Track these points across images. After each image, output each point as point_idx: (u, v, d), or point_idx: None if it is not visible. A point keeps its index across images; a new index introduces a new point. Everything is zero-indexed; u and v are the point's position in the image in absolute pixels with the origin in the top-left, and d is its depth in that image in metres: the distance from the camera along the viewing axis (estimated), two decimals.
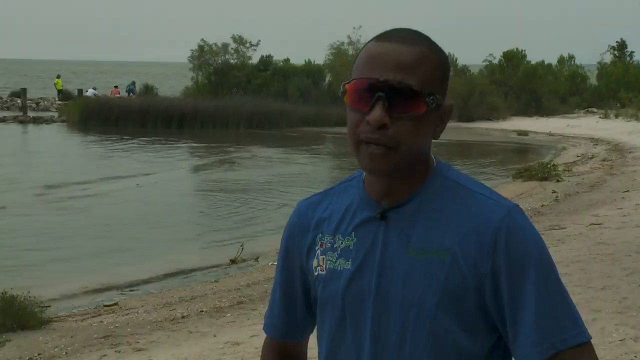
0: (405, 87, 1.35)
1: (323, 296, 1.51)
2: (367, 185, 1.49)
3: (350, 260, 1.47)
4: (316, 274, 1.53)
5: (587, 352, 1.38)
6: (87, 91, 43.68)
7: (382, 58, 1.38)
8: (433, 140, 1.46)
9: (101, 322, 8.25)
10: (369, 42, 1.43)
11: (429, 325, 1.39)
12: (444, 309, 1.38)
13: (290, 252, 1.60)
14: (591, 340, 1.40)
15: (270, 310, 1.68)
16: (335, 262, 1.49)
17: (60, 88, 46.39)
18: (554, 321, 1.36)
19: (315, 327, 1.62)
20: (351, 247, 1.48)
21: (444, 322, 1.39)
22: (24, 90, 41.28)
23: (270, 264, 10.97)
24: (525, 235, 1.38)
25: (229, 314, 8.23)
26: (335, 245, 1.50)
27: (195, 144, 28.47)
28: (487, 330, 1.41)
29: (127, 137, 29.53)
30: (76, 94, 44.04)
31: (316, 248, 1.54)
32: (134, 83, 45.76)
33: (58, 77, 48.44)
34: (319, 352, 1.57)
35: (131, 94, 42.58)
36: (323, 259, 1.52)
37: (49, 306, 8.90)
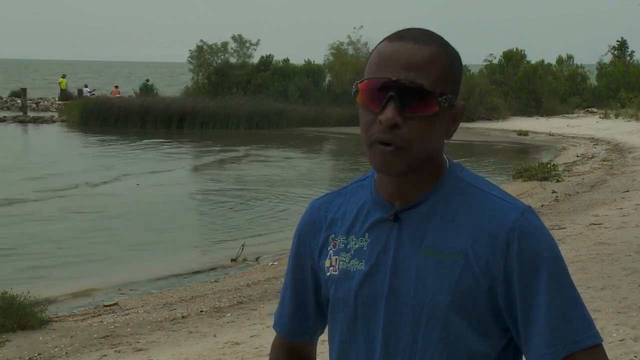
0: (417, 86, 1.35)
1: (335, 296, 1.51)
2: (379, 185, 1.49)
3: (364, 261, 1.47)
4: (328, 274, 1.52)
5: (599, 354, 1.38)
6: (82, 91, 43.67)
7: (394, 58, 1.37)
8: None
9: (101, 322, 8.25)
10: (381, 42, 1.43)
11: (440, 326, 1.39)
12: (456, 311, 1.38)
13: (302, 252, 1.59)
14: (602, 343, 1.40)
15: (280, 308, 1.68)
16: (349, 262, 1.49)
17: (64, 88, 46.33)
18: (566, 323, 1.36)
19: (326, 328, 1.62)
20: (365, 248, 1.48)
21: (455, 323, 1.38)
22: (24, 90, 41.24)
23: (270, 264, 10.97)
24: (539, 236, 1.37)
25: (229, 314, 8.24)
26: (348, 246, 1.50)
27: (195, 144, 28.47)
28: (499, 331, 1.41)
29: (127, 137, 29.53)
30: (76, 94, 44.01)
31: (328, 248, 1.53)
32: (148, 81, 45.59)
33: (63, 76, 48.35)
34: (329, 353, 1.57)
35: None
36: (336, 259, 1.51)
37: (56, 302, 8.91)
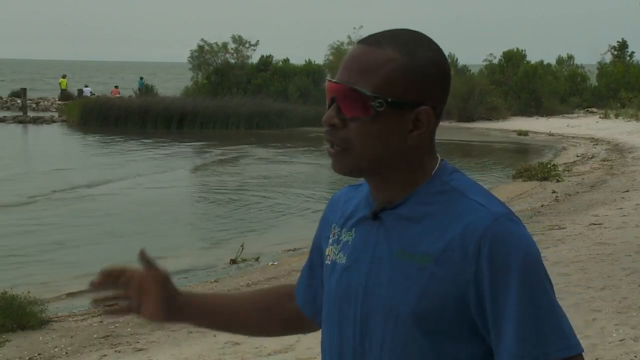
0: (350, 89, 1.37)
1: (325, 287, 1.54)
2: (369, 185, 1.50)
3: (346, 256, 1.48)
4: (326, 262, 1.55)
5: None
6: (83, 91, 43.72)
7: (347, 60, 1.40)
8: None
9: (101, 322, 8.25)
10: None
11: (405, 331, 1.37)
12: (422, 316, 1.36)
13: (316, 239, 1.65)
14: (582, 353, 1.34)
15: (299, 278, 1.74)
16: (337, 254, 1.51)
17: (64, 88, 46.38)
18: (537, 333, 1.31)
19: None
20: (349, 243, 1.49)
21: (421, 329, 1.36)
22: (24, 90, 41.28)
23: (270, 264, 10.97)
24: (512, 242, 1.33)
25: None
26: (340, 238, 1.52)
27: (195, 144, 28.48)
28: (476, 338, 1.37)
29: (127, 137, 29.54)
30: (76, 94, 44.03)
31: (329, 236, 1.56)
32: (142, 79, 45.77)
33: (64, 76, 48.38)
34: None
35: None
36: (331, 249, 1.54)
37: (56, 302, 8.90)
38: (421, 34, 1.43)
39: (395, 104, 1.36)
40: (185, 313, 1.66)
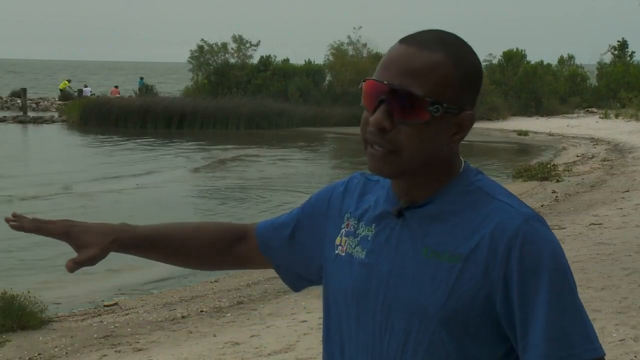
0: (407, 93, 1.34)
1: (340, 281, 1.51)
2: (392, 181, 1.49)
3: (365, 251, 1.47)
4: (337, 252, 1.53)
5: None
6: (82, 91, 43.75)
7: (395, 61, 1.37)
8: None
9: (101, 322, 8.26)
10: (396, 42, 1.42)
11: (431, 330, 1.37)
12: (450, 315, 1.36)
13: (323, 207, 1.61)
14: (604, 357, 1.36)
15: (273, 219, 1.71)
16: (354, 248, 1.50)
17: (63, 88, 46.40)
18: (564, 335, 1.32)
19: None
20: (369, 238, 1.48)
21: (447, 328, 1.36)
22: (24, 90, 41.26)
23: None
24: (542, 244, 1.34)
25: (229, 314, 8.24)
26: (357, 232, 1.51)
27: (195, 144, 28.47)
28: (497, 339, 1.38)
29: (127, 137, 29.54)
30: (75, 94, 44.02)
31: (342, 226, 1.55)
32: (142, 79, 45.82)
33: (69, 80, 48.40)
34: (323, 336, 1.57)
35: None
36: (345, 240, 1.53)
37: (56, 302, 8.90)
38: (460, 37, 1.44)
39: (449, 109, 1.37)
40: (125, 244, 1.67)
